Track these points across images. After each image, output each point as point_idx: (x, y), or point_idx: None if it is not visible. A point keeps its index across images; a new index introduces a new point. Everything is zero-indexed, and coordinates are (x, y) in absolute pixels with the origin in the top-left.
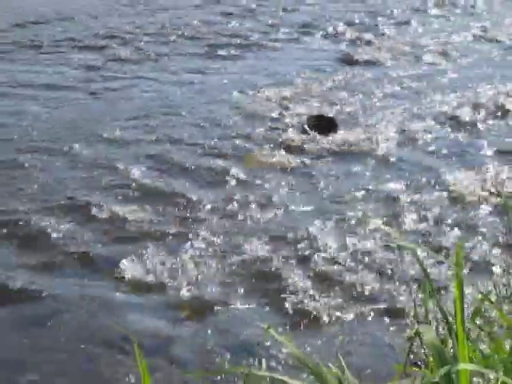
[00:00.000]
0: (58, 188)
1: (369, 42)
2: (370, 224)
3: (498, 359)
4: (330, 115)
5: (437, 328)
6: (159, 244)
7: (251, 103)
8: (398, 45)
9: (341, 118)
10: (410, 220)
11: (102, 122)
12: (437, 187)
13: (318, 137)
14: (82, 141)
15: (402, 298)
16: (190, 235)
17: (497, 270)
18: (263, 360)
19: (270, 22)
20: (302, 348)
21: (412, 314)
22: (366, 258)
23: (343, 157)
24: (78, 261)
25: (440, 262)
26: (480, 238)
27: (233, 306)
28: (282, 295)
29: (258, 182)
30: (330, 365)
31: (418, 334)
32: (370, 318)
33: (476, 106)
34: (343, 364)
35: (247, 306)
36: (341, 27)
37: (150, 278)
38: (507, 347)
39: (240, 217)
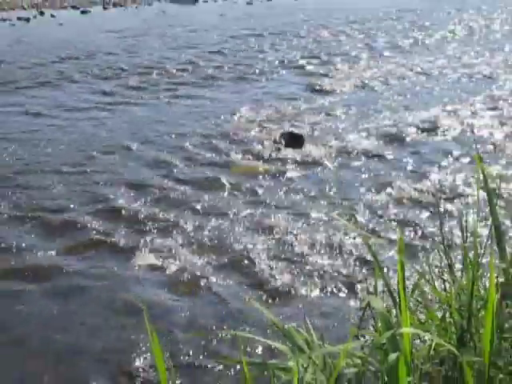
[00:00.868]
0: (97, 191)
1: (327, 75)
2: (331, 217)
3: (432, 325)
4: (299, 132)
5: (383, 300)
6: (166, 234)
7: (236, 122)
8: (349, 76)
9: (307, 134)
10: (361, 216)
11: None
12: (382, 190)
13: (289, 150)
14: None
15: (356, 276)
16: (188, 228)
17: (432, 254)
18: (246, 325)
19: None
20: (276, 316)
21: (364, 288)
22: (329, 245)
23: (308, 166)
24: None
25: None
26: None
27: (221, 283)
28: (259, 276)
29: (243, 184)
30: (299, 328)
31: (368, 304)
32: (330, 293)
33: (407, 125)
34: (310, 327)
35: (231, 284)
36: (305, 63)
37: (157, 262)
38: (438, 315)
39: (228, 211)
